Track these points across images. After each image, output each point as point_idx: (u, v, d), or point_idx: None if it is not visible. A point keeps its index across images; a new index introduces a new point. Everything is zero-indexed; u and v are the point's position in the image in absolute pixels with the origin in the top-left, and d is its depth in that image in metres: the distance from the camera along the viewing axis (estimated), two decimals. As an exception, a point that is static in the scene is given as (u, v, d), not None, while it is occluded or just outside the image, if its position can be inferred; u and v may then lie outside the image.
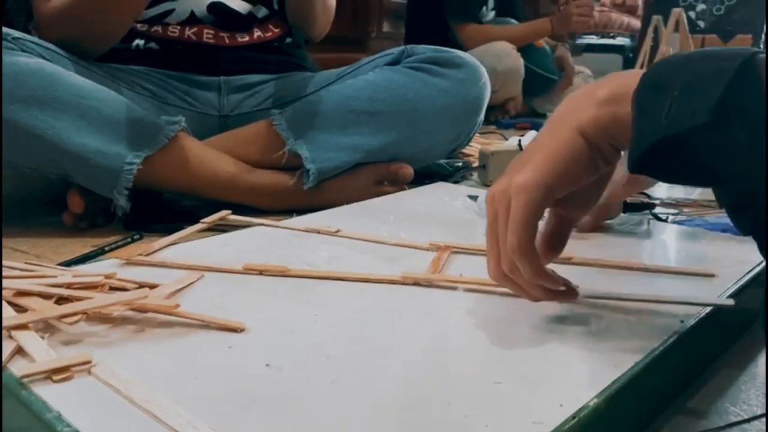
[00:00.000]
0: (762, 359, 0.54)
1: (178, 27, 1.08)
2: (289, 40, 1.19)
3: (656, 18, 2.77)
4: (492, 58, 1.90)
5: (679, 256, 0.68)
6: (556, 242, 0.47)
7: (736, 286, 0.55)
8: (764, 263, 0.59)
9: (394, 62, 1.10)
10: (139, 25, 1.07)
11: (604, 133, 0.41)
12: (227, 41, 1.11)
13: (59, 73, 0.87)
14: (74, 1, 0.94)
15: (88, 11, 0.94)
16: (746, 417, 0.45)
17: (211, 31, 1.10)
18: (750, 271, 0.59)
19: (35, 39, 0.93)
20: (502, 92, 2.05)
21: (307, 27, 1.18)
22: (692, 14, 3.77)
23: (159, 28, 1.07)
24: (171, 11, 1.07)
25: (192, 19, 1.08)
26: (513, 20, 2.25)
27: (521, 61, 2.06)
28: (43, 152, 0.85)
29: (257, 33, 1.13)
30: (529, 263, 0.43)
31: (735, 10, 3.77)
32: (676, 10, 2.69)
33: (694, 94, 0.36)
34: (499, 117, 2.10)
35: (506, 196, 0.43)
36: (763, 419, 0.45)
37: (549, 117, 0.46)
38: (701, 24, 3.82)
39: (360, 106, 1.02)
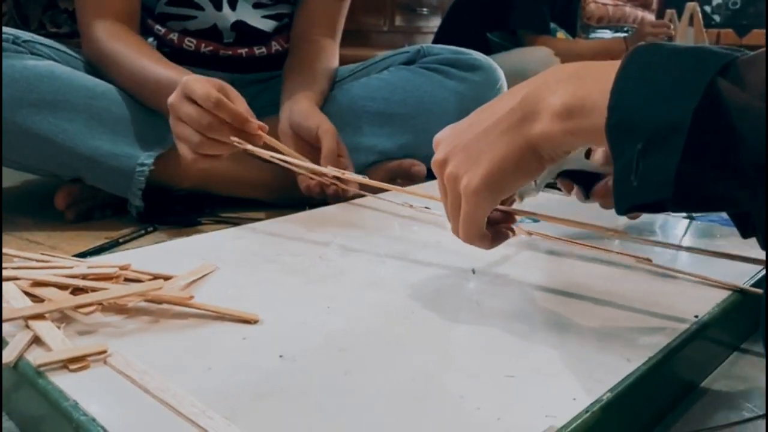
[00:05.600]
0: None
1: (194, 41, 1.04)
2: None
3: (670, 12, 2.74)
4: (536, 64, 1.84)
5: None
6: (502, 232, 0.51)
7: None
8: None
9: (409, 61, 1.08)
10: (157, 26, 1.04)
11: (558, 148, 0.42)
12: (244, 55, 1.08)
13: (69, 76, 0.87)
14: (117, 71, 0.90)
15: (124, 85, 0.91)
16: (761, 413, 0.45)
17: (228, 51, 1.07)
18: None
19: (45, 41, 0.93)
20: None
21: None
22: (708, 8, 3.73)
23: (174, 37, 1.04)
24: (193, 18, 1.03)
25: (212, 32, 1.04)
26: (565, 32, 2.23)
27: None
28: (55, 156, 0.85)
29: (275, 47, 1.11)
30: (475, 245, 0.49)
31: (751, 4, 3.73)
32: (690, 4, 2.66)
33: (656, 151, 0.33)
34: None
35: (456, 188, 0.46)
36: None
37: (506, 91, 0.46)
38: (716, 18, 3.78)
39: (375, 106, 1.01)
